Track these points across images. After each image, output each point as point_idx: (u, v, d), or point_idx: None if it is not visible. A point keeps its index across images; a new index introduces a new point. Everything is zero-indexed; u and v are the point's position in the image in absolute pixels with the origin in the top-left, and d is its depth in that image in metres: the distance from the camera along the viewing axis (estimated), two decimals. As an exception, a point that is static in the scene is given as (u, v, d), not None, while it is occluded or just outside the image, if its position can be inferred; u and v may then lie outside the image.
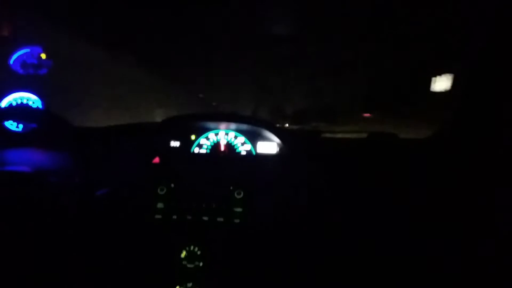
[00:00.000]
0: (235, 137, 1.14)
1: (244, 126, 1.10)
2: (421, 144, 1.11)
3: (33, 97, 1.40)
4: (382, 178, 0.99)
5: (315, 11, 2.17)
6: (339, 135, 1.35)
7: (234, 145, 1.13)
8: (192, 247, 0.92)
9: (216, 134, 1.14)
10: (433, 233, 0.91)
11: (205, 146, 1.14)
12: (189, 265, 0.91)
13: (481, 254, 0.84)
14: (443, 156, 0.99)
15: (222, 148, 1.13)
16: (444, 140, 1.01)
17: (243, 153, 1.13)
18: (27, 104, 1.38)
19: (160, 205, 0.96)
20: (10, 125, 1.26)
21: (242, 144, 1.13)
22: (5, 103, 1.35)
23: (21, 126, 1.28)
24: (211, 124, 1.12)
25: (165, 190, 0.97)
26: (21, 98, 1.38)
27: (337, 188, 0.99)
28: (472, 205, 0.87)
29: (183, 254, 0.92)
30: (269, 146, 1.12)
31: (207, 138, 1.14)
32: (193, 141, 1.14)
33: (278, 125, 1.08)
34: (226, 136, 1.14)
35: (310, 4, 2.10)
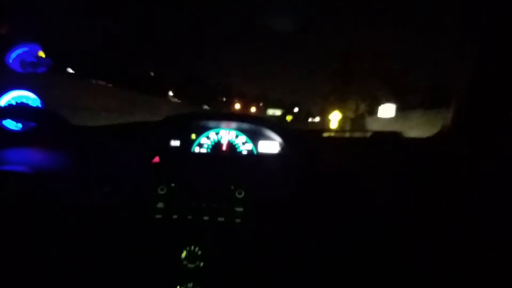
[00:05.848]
0: (236, 136, 1.12)
1: (245, 125, 1.09)
2: (424, 143, 1.10)
3: (32, 95, 1.39)
4: (385, 177, 0.98)
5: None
6: (342, 134, 1.34)
7: (235, 144, 1.12)
8: (192, 247, 0.91)
9: (217, 133, 1.13)
10: (435, 233, 0.90)
11: (205, 145, 1.13)
12: (189, 265, 0.90)
13: (483, 254, 0.83)
14: (447, 155, 0.98)
15: (223, 148, 1.12)
16: (448, 139, 1.00)
17: (244, 152, 1.12)
18: (26, 103, 1.36)
19: (160, 204, 0.95)
20: (9, 124, 1.25)
21: (243, 143, 1.12)
22: (4, 102, 1.34)
23: (20, 125, 1.27)
24: (211, 123, 1.11)
25: (165, 190, 0.96)
26: (20, 97, 1.37)
27: (340, 187, 0.98)
28: (475, 204, 0.86)
29: (184, 254, 0.91)
30: (271, 145, 1.11)
31: (208, 137, 1.13)
32: (194, 140, 1.13)
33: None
34: (227, 135, 1.13)
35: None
